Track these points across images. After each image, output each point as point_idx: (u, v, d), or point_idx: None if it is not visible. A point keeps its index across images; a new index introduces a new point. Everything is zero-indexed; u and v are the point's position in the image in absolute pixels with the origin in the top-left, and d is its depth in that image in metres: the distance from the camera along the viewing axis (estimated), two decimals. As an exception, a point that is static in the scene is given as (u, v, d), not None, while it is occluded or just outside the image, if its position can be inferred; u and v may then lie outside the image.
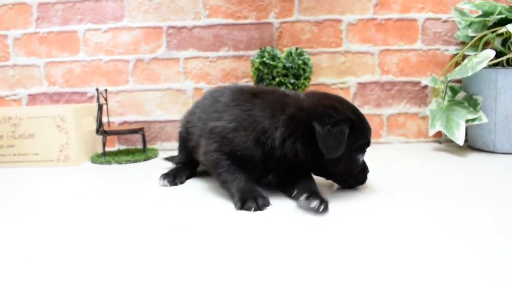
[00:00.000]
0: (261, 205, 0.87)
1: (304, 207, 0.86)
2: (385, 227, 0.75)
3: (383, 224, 0.77)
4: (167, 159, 1.39)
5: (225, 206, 0.90)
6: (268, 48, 1.42)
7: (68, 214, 0.89)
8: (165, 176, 1.13)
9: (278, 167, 0.98)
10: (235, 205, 0.89)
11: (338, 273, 0.58)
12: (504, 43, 1.44)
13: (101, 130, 1.43)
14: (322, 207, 0.83)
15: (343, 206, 0.88)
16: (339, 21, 1.57)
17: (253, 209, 0.87)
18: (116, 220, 0.84)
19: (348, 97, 1.56)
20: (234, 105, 0.99)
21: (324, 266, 0.60)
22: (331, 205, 0.86)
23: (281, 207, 0.89)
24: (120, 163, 1.41)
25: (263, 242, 0.70)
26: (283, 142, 0.92)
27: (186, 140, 1.16)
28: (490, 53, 1.31)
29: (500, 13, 1.38)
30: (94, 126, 1.52)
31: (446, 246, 0.66)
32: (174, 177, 1.13)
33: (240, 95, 1.01)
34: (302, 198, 0.86)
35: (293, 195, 0.92)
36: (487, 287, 0.53)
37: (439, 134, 1.62)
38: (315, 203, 0.83)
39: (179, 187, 1.09)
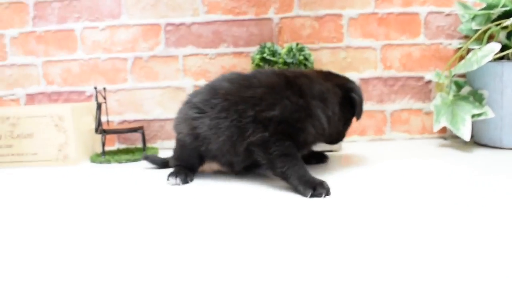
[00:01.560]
0: (327, 189, 0.92)
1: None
2: (388, 224, 0.73)
3: (386, 221, 0.74)
4: (147, 158, 1.31)
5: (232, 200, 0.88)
6: (268, 44, 1.39)
7: (68, 214, 0.87)
8: (177, 174, 1.08)
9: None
10: (305, 192, 0.92)
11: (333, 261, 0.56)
12: (509, 36, 1.41)
13: (100, 129, 1.41)
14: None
15: (345, 201, 0.86)
16: (340, 15, 1.54)
17: (324, 195, 0.91)
18: (120, 220, 0.82)
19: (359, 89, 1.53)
20: (282, 92, 1.03)
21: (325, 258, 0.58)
22: (336, 200, 0.84)
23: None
24: (120, 162, 1.39)
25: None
26: (333, 117, 1.09)
27: (192, 146, 1.10)
28: (495, 47, 1.28)
29: (504, 5, 1.35)
30: (93, 125, 1.50)
31: (450, 244, 0.64)
32: (185, 176, 1.09)
33: (278, 79, 1.07)
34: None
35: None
36: (493, 284, 0.51)
37: (443, 130, 1.59)
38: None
39: (184, 187, 1.07)
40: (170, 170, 1.14)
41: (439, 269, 0.56)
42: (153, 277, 0.57)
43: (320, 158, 1.27)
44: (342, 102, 1.13)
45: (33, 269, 0.62)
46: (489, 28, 1.37)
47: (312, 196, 0.91)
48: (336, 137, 1.22)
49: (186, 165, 1.14)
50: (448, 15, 1.54)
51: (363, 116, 1.57)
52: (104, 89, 1.49)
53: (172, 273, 0.58)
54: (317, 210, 0.83)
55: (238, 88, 1.06)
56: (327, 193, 0.91)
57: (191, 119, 1.09)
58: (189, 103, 1.13)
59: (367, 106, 1.58)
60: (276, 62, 1.36)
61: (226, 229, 0.75)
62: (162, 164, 1.29)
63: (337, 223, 0.76)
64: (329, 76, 1.17)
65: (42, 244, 0.71)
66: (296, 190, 0.95)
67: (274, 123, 0.99)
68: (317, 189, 0.91)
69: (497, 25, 1.36)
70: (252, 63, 1.41)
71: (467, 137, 1.31)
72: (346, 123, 1.20)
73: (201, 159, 1.15)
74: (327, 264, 0.59)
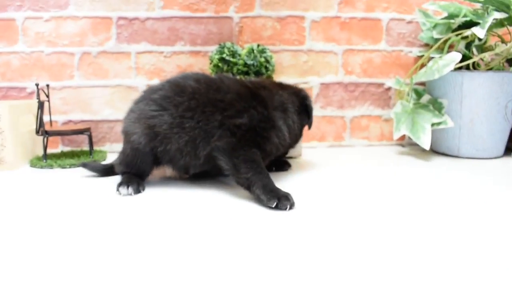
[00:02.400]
0: (292, 203, 0.86)
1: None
2: (344, 232, 0.68)
3: (343, 229, 0.70)
4: (86, 166, 1.19)
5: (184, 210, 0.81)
6: (228, 44, 1.32)
7: (2, 227, 0.76)
8: (128, 183, 0.99)
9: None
10: (268, 202, 0.86)
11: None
12: (468, 46, 1.42)
13: (42, 130, 1.28)
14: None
15: (307, 211, 0.80)
16: (302, 17, 1.50)
17: (288, 207, 0.85)
18: (61, 236, 0.72)
19: (311, 97, 1.49)
20: (249, 101, 1.02)
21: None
22: (298, 209, 0.79)
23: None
24: (63, 167, 1.27)
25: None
26: (293, 126, 1.10)
27: (147, 148, 1.01)
28: (456, 56, 1.27)
29: (465, 15, 1.35)
30: (34, 126, 1.37)
31: (404, 253, 0.60)
32: (138, 185, 1.00)
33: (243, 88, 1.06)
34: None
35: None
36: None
37: (402, 137, 1.58)
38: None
39: (136, 196, 0.98)
40: (117, 177, 1.05)
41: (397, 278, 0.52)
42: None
43: (282, 165, 1.22)
44: (299, 110, 1.14)
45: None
46: (449, 38, 1.37)
47: (276, 207, 0.85)
48: (294, 144, 1.20)
49: (136, 172, 1.05)
50: (409, 22, 1.53)
51: (323, 122, 1.54)
52: (47, 85, 1.36)
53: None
54: (278, 220, 0.77)
55: (207, 89, 1.02)
56: (291, 206, 0.86)
57: (148, 118, 1.01)
58: (145, 100, 1.04)
59: (327, 111, 1.54)
60: (235, 63, 1.29)
61: (186, 240, 0.67)
62: (104, 171, 1.18)
63: (299, 234, 0.70)
64: (282, 86, 1.17)
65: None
66: (258, 199, 0.89)
67: (241, 131, 0.97)
68: (282, 200, 0.85)
69: (458, 34, 1.35)
70: (210, 63, 1.34)
71: (427, 145, 1.30)
72: (301, 130, 1.20)
73: (154, 164, 1.06)
74: (289, 278, 0.53)
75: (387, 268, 0.59)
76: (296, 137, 1.16)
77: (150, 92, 1.06)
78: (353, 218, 0.81)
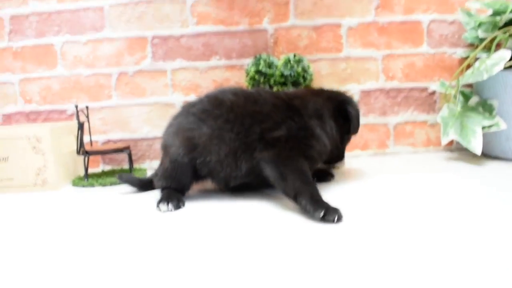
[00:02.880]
0: (340, 216, 0.81)
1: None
2: (393, 245, 0.63)
3: (392, 242, 0.64)
4: (122, 178, 1.18)
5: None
6: (264, 56, 1.30)
7: (46, 245, 0.75)
8: (168, 199, 0.98)
9: None
10: (315, 212, 0.82)
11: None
12: (517, 43, 1.34)
13: (82, 150, 1.29)
14: None
15: (354, 224, 0.75)
16: (339, 25, 1.46)
17: (335, 218, 0.80)
18: (107, 252, 0.70)
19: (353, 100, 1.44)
20: (285, 112, 1.01)
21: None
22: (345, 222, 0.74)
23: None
24: (104, 185, 1.27)
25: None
26: (331, 132, 1.06)
27: (186, 159, 1.00)
28: (505, 54, 1.20)
29: (512, 11, 1.28)
30: (74, 147, 1.38)
31: (460, 264, 0.54)
32: (178, 201, 0.98)
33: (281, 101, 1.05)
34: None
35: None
36: None
37: (450, 142, 1.50)
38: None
39: (176, 212, 0.96)
40: (157, 192, 1.03)
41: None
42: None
43: (324, 176, 1.17)
44: (336, 116, 1.10)
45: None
46: (496, 36, 1.29)
47: (323, 218, 0.81)
48: (337, 153, 1.15)
49: (176, 187, 1.04)
50: (451, 23, 1.47)
51: (365, 129, 1.48)
52: (87, 107, 1.38)
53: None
54: (325, 233, 0.73)
55: (244, 102, 1.02)
56: (339, 218, 0.81)
57: (186, 130, 1.01)
58: (184, 114, 1.04)
59: (369, 119, 1.49)
60: (272, 75, 1.27)
61: (233, 254, 0.64)
62: (141, 185, 1.18)
63: (347, 247, 0.65)
64: (319, 92, 1.13)
65: (20, 275, 0.59)
66: (305, 210, 0.85)
67: (282, 142, 0.95)
68: (329, 211, 0.81)
69: (505, 32, 1.28)
70: (247, 76, 1.31)
71: (478, 150, 1.22)
72: (344, 139, 1.15)
73: (194, 177, 1.04)
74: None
75: (441, 282, 0.54)
76: (336, 145, 1.11)
77: (189, 106, 1.06)
78: (402, 231, 0.75)
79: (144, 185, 1.17)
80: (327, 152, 1.06)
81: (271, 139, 0.96)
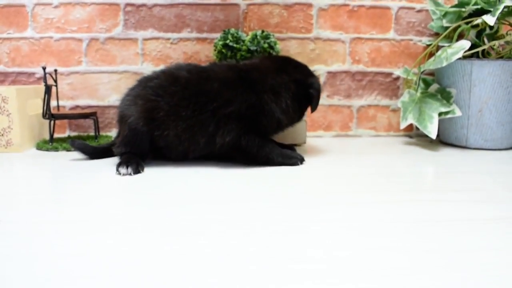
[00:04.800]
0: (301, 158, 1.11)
1: None
2: (349, 222, 0.67)
3: (349, 220, 0.69)
4: (74, 144, 1.18)
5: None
6: (232, 30, 1.31)
7: (8, 206, 0.77)
8: (127, 163, 1.01)
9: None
10: (295, 162, 1.09)
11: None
12: (478, 35, 1.39)
13: (48, 114, 1.30)
14: None
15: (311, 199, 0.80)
16: (310, 5, 1.48)
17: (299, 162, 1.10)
18: (67, 212, 0.73)
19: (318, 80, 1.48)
20: (236, 88, 1.06)
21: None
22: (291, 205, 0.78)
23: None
24: (68, 150, 1.29)
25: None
26: (287, 109, 1.10)
27: (145, 129, 1.04)
28: (465, 44, 1.25)
29: (475, 3, 1.32)
30: (41, 110, 1.39)
31: (412, 242, 0.58)
32: (137, 165, 1.02)
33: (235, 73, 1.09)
34: None
35: None
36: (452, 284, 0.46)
37: (409, 128, 1.56)
38: None
39: (136, 177, 0.99)
40: (116, 159, 1.07)
41: (406, 268, 0.51)
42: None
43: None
44: (298, 94, 1.13)
45: None
46: (459, 26, 1.34)
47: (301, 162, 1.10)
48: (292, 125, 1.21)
49: (136, 152, 1.07)
50: (419, 11, 1.50)
51: (330, 111, 1.52)
52: (55, 70, 1.38)
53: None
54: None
55: (198, 79, 1.07)
56: (301, 161, 1.11)
57: (146, 101, 1.05)
58: (141, 86, 1.08)
59: (333, 100, 1.53)
60: (239, 49, 1.29)
61: (196, 213, 0.67)
62: (94, 153, 1.19)
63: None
64: (284, 67, 1.14)
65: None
66: (282, 164, 1.08)
67: (233, 120, 1.03)
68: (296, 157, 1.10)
69: (468, 23, 1.32)
70: (215, 50, 1.33)
71: (433, 135, 1.27)
72: (303, 114, 1.21)
73: (151, 147, 1.08)
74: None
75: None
76: (292, 119, 1.16)
77: (146, 80, 1.10)
78: (357, 205, 0.80)
79: (98, 153, 1.19)
80: (282, 127, 1.13)
81: (223, 116, 1.03)
